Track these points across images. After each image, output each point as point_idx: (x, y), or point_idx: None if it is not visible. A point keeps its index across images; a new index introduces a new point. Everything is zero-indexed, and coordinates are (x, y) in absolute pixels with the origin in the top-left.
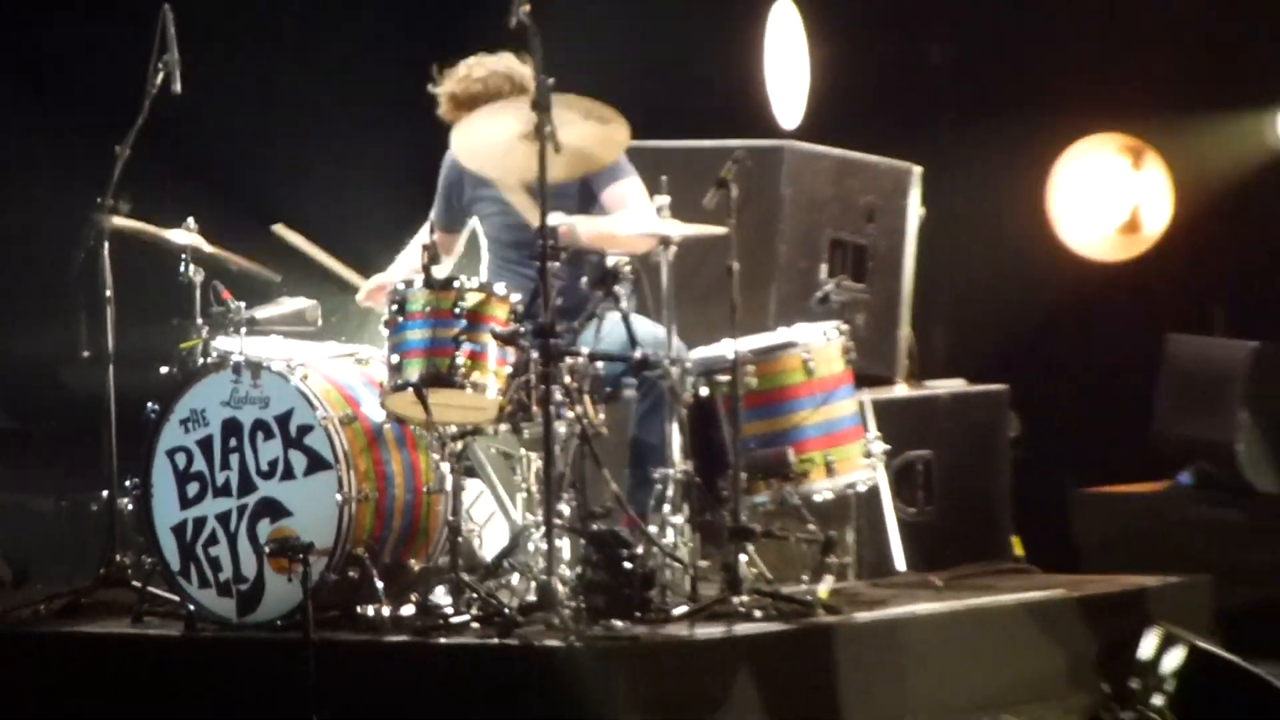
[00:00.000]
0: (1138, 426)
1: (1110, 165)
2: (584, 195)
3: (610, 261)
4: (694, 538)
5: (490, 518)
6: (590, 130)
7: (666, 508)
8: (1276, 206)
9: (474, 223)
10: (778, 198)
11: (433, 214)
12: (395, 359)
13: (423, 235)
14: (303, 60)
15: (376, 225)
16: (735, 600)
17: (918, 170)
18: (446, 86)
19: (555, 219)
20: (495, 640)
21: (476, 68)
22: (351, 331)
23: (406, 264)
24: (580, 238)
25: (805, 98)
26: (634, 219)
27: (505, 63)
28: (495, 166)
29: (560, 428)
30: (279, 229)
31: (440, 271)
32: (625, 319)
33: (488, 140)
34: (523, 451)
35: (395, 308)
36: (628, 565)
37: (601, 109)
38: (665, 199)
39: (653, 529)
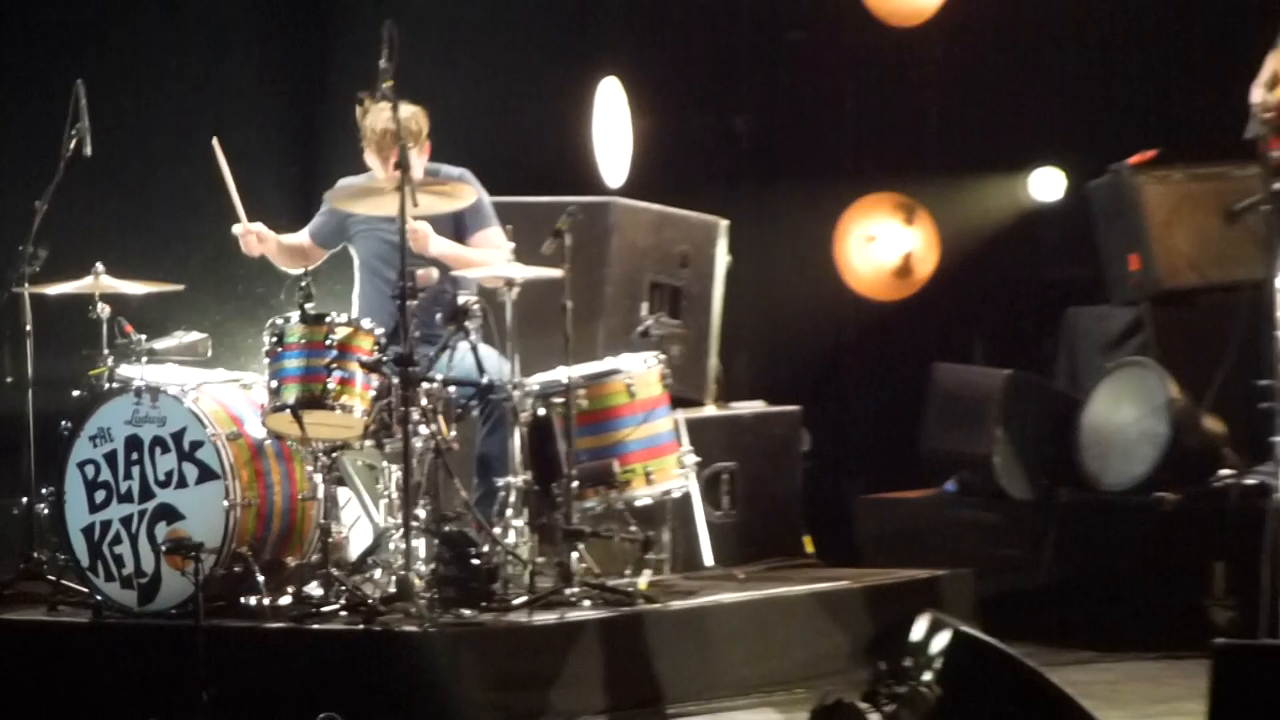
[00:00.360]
0: (910, 442)
1: (886, 220)
2: (458, 228)
3: (461, 300)
4: (532, 538)
5: (356, 521)
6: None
7: (509, 512)
8: (1025, 255)
9: (360, 254)
10: (605, 246)
11: (311, 227)
12: (275, 384)
13: (302, 235)
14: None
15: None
16: (567, 591)
17: (725, 223)
18: (380, 120)
19: (442, 245)
20: (360, 626)
21: (384, 116)
22: (238, 361)
23: (290, 240)
24: (445, 254)
25: (629, 161)
26: (489, 258)
27: (408, 115)
28: (372, 207)
29: (417, 443)
30: (216, 144)
31: (307, 302)
32: (474, 349)
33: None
34: (384, 463)
35: (275, 340)
36: (475, 562)
37: (460, 174)
38: (510, 245)
39: (496, 530)
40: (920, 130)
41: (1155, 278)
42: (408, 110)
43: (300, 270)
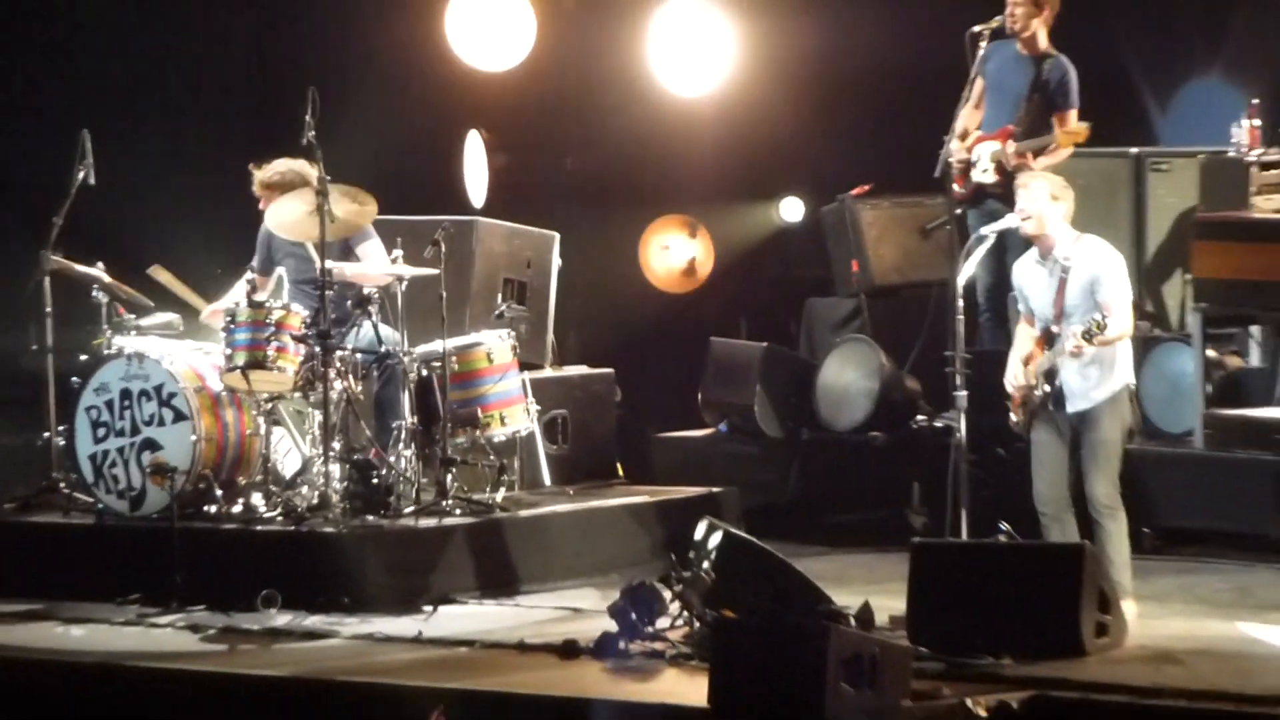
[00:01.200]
0: (693, 395)
1: (676, 234)
2: (345, 249)
3: (365, 291)
4: (418, 464)
5: (289, 452)
6: (351, 207)
7: (400, 445)
8: (777, 260)
9: (280, 270)
10: (471, 252)
11: (254, 263)
12: (229, 351)
13: (243, 281)
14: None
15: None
16: (444, 503)
17: (557, 236)
18: (262, 176)
19: (331, 264)
20: (292, 529)
21: (280, 166)
22: (200, 335)
23: (232, 297)
24: (346, 274)
25: (487, 188)
26: (376, 266)
27: (299, 165)
28: (295, 232)
29: (333, 394)
30: (153, 270)
31: (258, 299)
32: (375, 327)
33: (290, 215)
34: (310, 409)
35: (229, 319)
36: (375, 481)
37: (357, 192)
38: (400, 251)
39: (391, 458)
40: (700, 168)
41: (869, 278)
42: (307, 164)
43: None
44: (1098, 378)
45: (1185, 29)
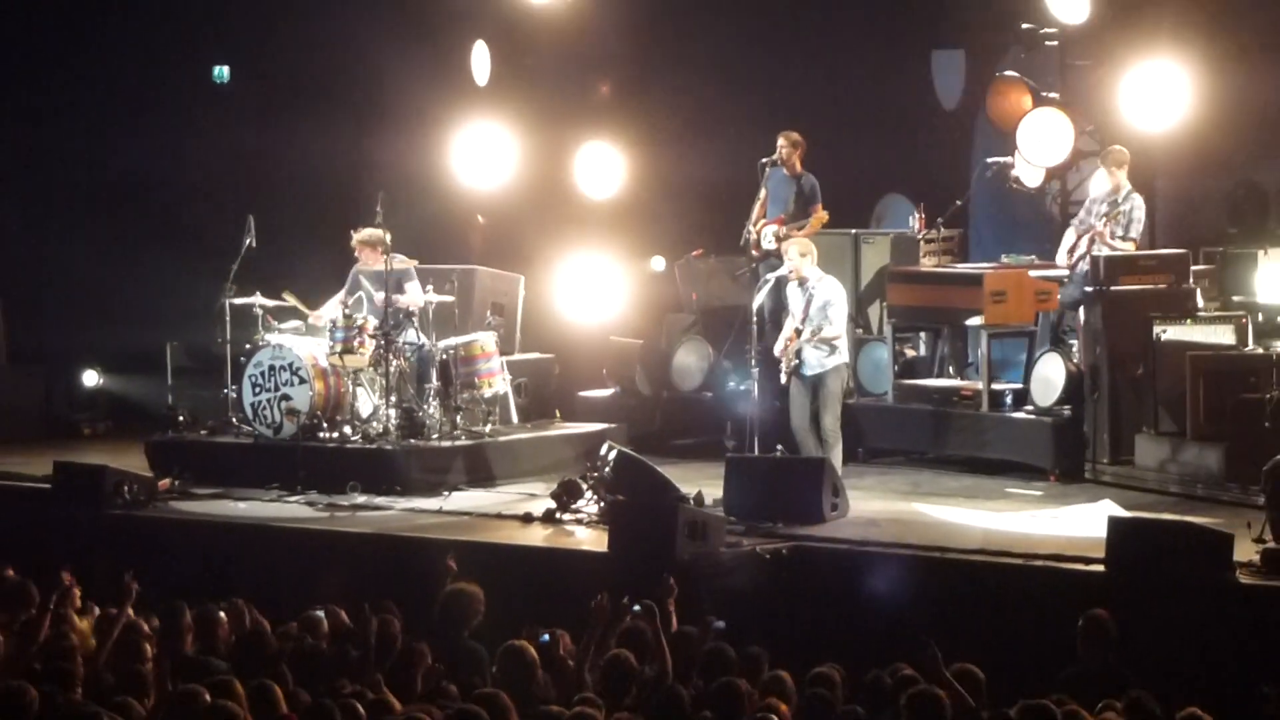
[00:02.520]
0: (601, 371)
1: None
2: (397, 284)
3: (410, 310)
4: (440, 409)
5: (365, 401)
6: (402, 263)
7: (430, 398)
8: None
9: (361, 293)
10: (471, 286)
11: (345, 289)
12: (331, 343)
13: (335, 300)
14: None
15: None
16: (455, 431)
17: (522, 277)
18: (359, 237)
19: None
20: (367, 445)
21: (366, 234)
22: (313, 333)
23: (328, 310)
24: (399, 301)
25: (480, 248)
26: (416, 296)
27: (377, 232)
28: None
29: (392, 369)
30: (284, 294)
31: (348, 313)
32: (415, 330)
33: (371, 263)
34: (378, 377)
35: (333, 324)
36: (418, 417)
37: (401, 259)
38: (431, 287)
39: (424, 406)
40: (605, 238)
41: (703, 302)
42: (381, 232)
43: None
44: (826, 356)
45: (881, 158)
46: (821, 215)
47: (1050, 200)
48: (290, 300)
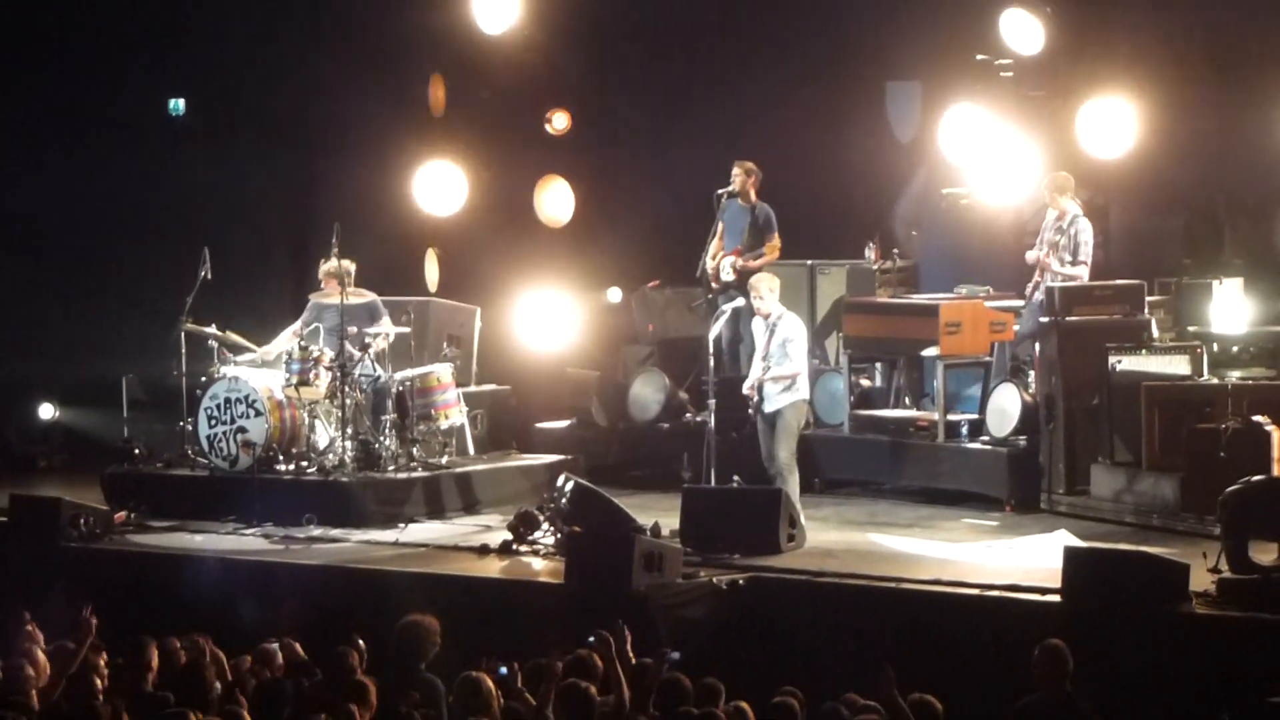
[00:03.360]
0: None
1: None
2: (371, 314)
3: (365, 340)
4: (396, 440)
5: (321, 434)
6: (362, 296)
7: (386, 430)
8: (606, 324)
9: (318, 324)
10: (427, 318)
11: (302, 321)
12: (288, 375)
13: (289, 332)
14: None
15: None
16: (411, 464)
17: (478, 309)
18: (325, 269)
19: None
20: (323, 478)
21: (331, 266)
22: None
23: (279, 343)
24: (374, 334)
25: (438, 281)
26: (387, 331)
27: (343, 264)
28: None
29: (348, 401)
30: (230, 335)
31: (303, 345)
32: (373, 362)
33: (331, 295)
34: (334, 409)
35: (289, 355)
36: (375, 448)
37: (366, 294)
38: (387, 317)
39: (381, 437)
40: (561, 273)
41: (660, 334)
42: (346, 263)
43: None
44: (784, 391)
45: (837, 191)
46: (776, 244)
47: (1006, 231)
48: (236, 341)
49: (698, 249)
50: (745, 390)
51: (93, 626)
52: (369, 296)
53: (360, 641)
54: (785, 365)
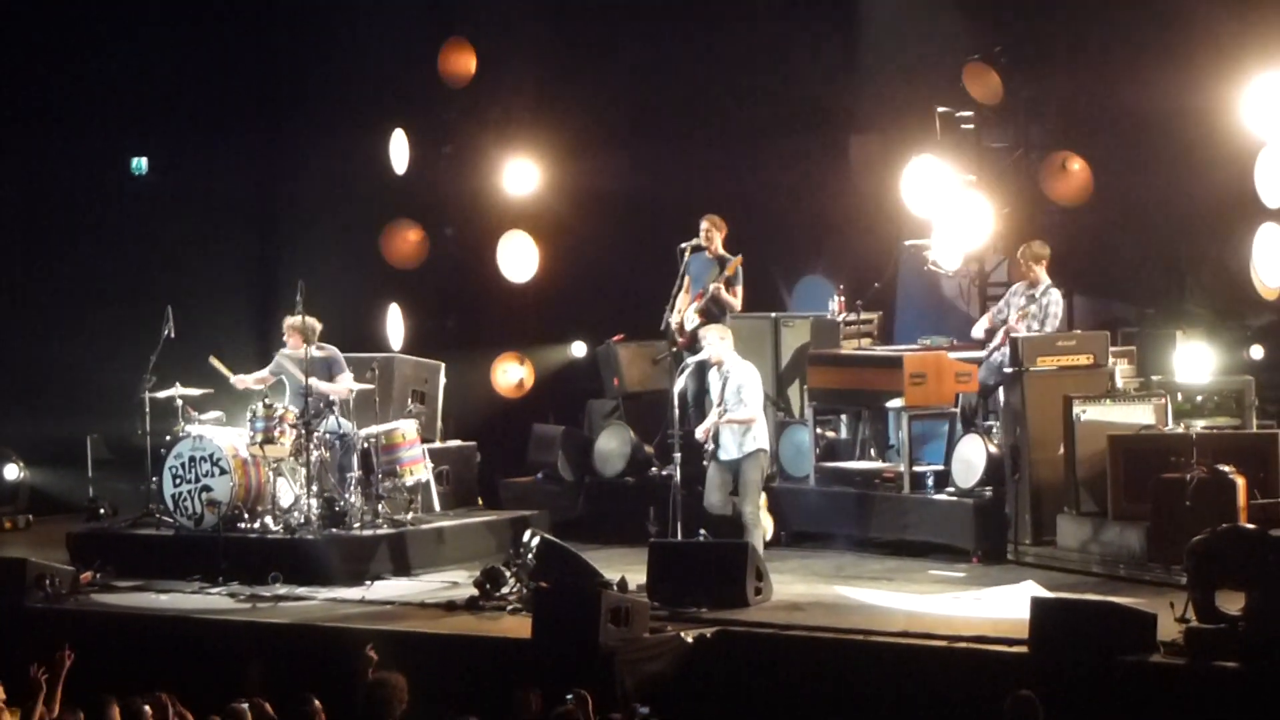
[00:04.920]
0: (524, 457)
1: (512, 363)
2: (330, 369)
3: (331, 398)
4: (362, 498)
5: (286, 492)
6: (325, 351)
7: (351, 487)
8: (572, 380)
9: (282, 376)
10: (392, 375)
11: (268, 370)
12: (252, 433)
13: (262, 372)
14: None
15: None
16: (377, 520)
17: (443, 365)
18: (290, 322)
19: (314, 382)
20: (288, 536)
21: (296, 320)
22: (234, 421)
23: (253, 376)
24: (321, 388)
25: (403, 337)
26: (346, 386)
27: (308, 321)
28: (297, 356)
29: (313, 458)
30: (211, 359)
31: (269, 403)
32: (338, 419)
33: (297, 350)
34: (298, 467)
35: (252, 413)
36: (339, 508)
37: (329, 348)
38: (351, 378)
39: (347, 495)
40: (525, 324)
41: (625, 388)
42: (311, 320)
43: (261, 389)
44: (742, 441)
45: (800, 243)
46: (738, 260)
47: (969, 283)
48: (216, 365)
49: (661, 303)
50: (699, 435)
51: (43, 684)
52: (329, 350)
53: (315, 701)
54: (740, 410)
